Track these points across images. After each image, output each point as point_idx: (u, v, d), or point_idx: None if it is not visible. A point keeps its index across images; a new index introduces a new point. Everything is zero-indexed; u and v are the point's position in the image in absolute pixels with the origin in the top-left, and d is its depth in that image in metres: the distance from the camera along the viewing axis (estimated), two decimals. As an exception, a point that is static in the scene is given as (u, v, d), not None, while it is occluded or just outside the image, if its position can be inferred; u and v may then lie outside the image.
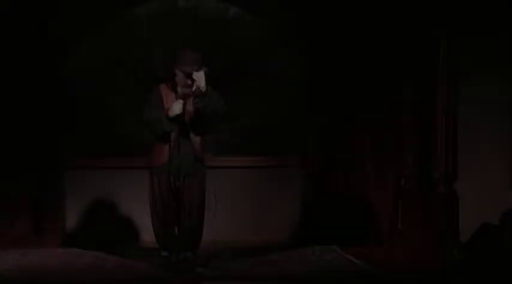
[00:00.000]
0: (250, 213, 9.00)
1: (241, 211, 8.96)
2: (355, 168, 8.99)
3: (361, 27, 8.92)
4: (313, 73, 8.93)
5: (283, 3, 9.03)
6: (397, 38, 8.97)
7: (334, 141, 9.02)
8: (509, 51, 8.44)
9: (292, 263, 7.48)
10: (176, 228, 7.09)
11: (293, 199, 8.98)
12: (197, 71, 6.96)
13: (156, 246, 7.34)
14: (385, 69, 8.99)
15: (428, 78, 8.49)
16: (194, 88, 6.94)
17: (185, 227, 7.13)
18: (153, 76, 8.52)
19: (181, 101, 7.00)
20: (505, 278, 6.77)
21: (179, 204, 7.08)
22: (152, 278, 6.93)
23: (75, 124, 8.87)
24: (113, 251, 8.04)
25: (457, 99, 8.15)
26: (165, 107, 7.06)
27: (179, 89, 7.06)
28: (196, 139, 7.14)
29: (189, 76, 6.99)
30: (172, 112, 6.99)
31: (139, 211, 8.75)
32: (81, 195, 8.89)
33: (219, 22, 9.03)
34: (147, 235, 8.72)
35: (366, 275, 7.01)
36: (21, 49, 8.63)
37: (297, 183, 9.00)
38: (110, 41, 8.97)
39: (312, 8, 8.93)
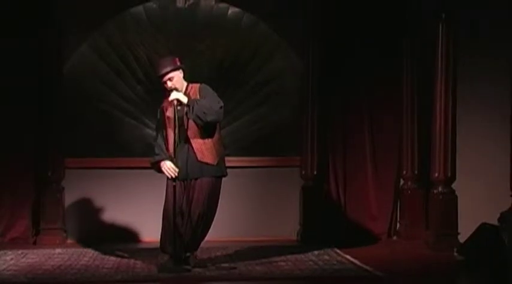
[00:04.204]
0: (250, 213, 8.98)
1: (241, 211, 8.94)
2: (354, 168, 8.99)
3: (360, 28, 8.93)
4: (314, 74, 8.91)
5: (282, 4, 9.04)
6: (397, 38, 8.99)
7: (334, 141, 9.01)
8: (508, 50, 8.45)
9: (292, 263, 7.48)
10: (178, 229, 7.08)
11: (292, 199, 8.96)
12: (170, 79, 7.02)
13: (156, 246, 7.32)
14: (384, 69, 9.00)
15: (427, 78, 8.50)
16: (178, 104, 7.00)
17: (185, 229, 7.10)
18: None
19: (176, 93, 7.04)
20: (504, 278, 6.78)
21: (181, 206, 7.06)
22: (152, 278, 6.92)
23: (74, 124, 8.85)
24: (113, 251, 8.05)
25: (456, 99, 8.15)
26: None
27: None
28: (199, 145, 7.08)
29: (163, 78, 7.04)
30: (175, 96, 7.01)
31: (139, 211, 8.75)
32: (80, 195, 8.88)
33: (218, 22, 9.02)
34: (147, 235, 8.74)
35: (365, 276, 7.01)
36: (21, 49, 8.61)
37: (296, 183, 8.99)
38: (109, 41, 8.95)
39: (311, 9, 8.92)
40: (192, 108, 6.95)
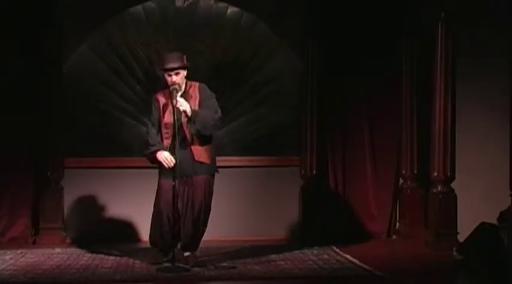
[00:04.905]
0: (249, 212, 8.98)
1: (240, 211, 8.94)
2: (354, 168, 8.99)
3: (360, 28, 8.92)
4: (313, 74, 8.91)
5: (281, 4, 9.03)
6: (396, 38, 8.99)
7: (333, 141, 9.01)
8: (508, 50, 8.45)
9: (292, 263, 7.48)
10: (174, 228, 7.15)
11: (292, 198, 8.96)
12: (176, 74, 7.09)
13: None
14: (384, 69, 9.00)
15: (427, 78, 8.50)
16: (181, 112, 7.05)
17: (185, 228, 7.16)
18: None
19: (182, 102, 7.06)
20: (503, 277, 6.77)
21: (177, 205, 7.10)
22: (151, 279, 6.92)
23: (74, 124, 8.86)
24: (112, 251, 8.05)
25: (455, 99, 8.15)
26: (163, 119, 7.18)
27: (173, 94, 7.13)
28: (197, 147, 7.14)
29: (171, 72, 7.08)
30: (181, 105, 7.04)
31: (139, 211, 8.75)
32: (79, 195, 8.89)
33: (218, 22, 9.02)
34: (146, 235, 8.72)
35: (364, 275, 7.01)
36: (21, 49, 8.62)
37: (296, 182, 8.99)
38: (108, 41, 8.96)
39: (311, 9, 8.92)
40: (194, 121, 7.04)
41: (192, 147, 7.12)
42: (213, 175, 7.26)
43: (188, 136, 7.10)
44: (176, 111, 7.01)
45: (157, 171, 7.31)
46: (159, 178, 7.23)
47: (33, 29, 8.64)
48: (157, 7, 8.97)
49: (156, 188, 7.28)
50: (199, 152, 7.14)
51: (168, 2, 8.97)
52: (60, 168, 8.78)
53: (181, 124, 7.09)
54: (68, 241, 8.76)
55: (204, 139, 7.16)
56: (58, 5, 8.70)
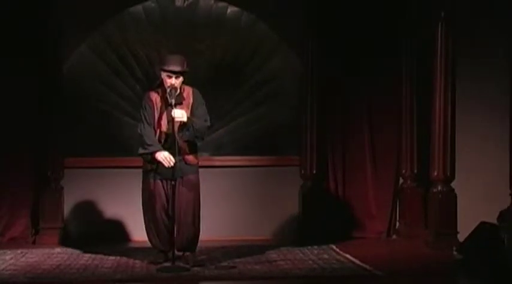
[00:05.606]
0: (249, 212, 8.99)
1: (240, 211, 8.95)
2: (354, 168, 9.00)
3: (360, 28, 8.92)
4: (313, 74, 8.91)
5: (281, 3, 9.04)
6: (396, 37, 9.00)
7: (333, 140, 9.01)
8: (508, 50, 8.46)
9: (291, 262, 7.48)
10: (171, 229, 7.22)
11: (292, 198, 8.97)
12: (177, 78, 7.16)
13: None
14: (384, 69, 9.01)
15: (427, 78, 8.50)
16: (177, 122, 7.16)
17: (182, 229, 7.20)
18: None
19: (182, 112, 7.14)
20: (503, 277, 6.77)
21: (173, 205, 7.13)
22: (151, 278, 6.92)
23: (74, 124, 8.86)
24: (112, 251, 8.05)
25: (455, 99, 8.16)
26: (157, 119, 7.25)
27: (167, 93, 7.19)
28: (188, 151, 7.26)
29: (172, 74, 7.13)
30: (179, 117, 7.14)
31: (138, 211, 8.74)
32: (79, 195, 8.89)
33: (217, 21, 9.02)
34: (146, 235, 8.73)
35: (364, 275, 7.01)
36: (21, 49, 8.62)
37: (295, 182, 8.99)
38: (108, 40, 8.96)
39: (311, 9, 8.93)
40: (187, 130, 7.17)
41: (184, 151, 7.22)
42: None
43: (180, 142, 7.18)
44: (174, 123, 7.10)
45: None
46: (150, 180, 7.29)
47: (33, 29, 8.64)
48: (157, 7, 8.98)
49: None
50: (189, 155, 7.27)
51: (168, 2, 8.98)
52: (60, 168, 8.79)
53: (177, 133, 7.19)
54: (67, 240, 8.74)
55: (194, 145, 7.30)
56: (58, 5, 8.71)
